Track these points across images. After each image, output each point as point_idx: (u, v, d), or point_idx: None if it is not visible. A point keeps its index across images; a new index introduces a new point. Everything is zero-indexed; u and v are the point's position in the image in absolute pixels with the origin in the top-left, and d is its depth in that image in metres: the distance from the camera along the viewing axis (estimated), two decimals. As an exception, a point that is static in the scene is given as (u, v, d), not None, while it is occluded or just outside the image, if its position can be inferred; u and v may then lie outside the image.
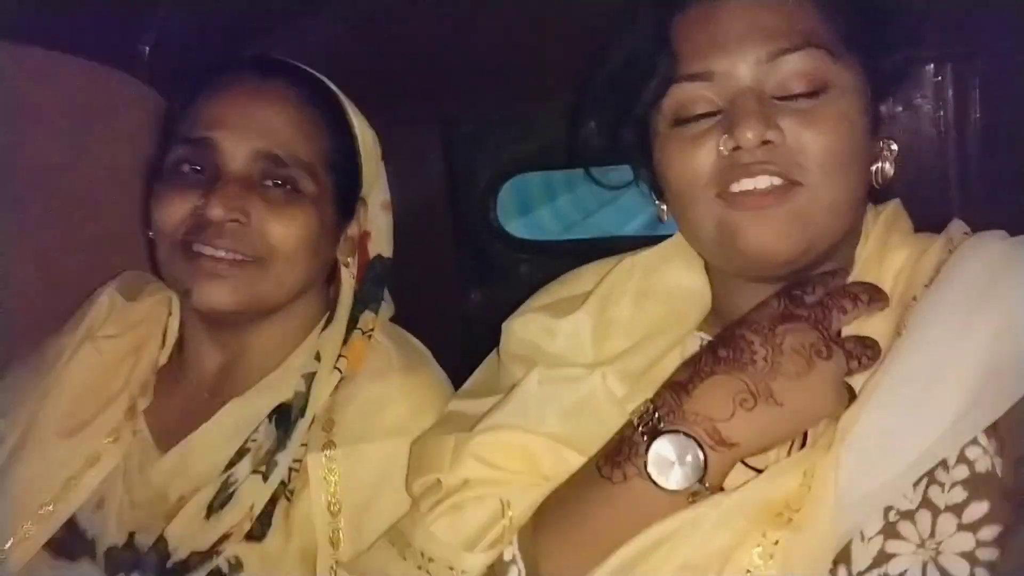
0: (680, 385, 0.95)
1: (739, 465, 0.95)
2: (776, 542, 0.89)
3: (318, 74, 1.38)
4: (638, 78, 1.04)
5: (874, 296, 0.96)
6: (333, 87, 1.38)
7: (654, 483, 0.92)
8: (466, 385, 1.24)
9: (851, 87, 0.99)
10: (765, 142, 0.96)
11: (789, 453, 0.97)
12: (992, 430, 0.88)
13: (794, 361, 0.91)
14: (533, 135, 1.70)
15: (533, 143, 1.71)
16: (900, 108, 1.42)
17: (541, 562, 0.97)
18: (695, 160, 1.00)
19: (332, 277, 1.41)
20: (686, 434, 0.92)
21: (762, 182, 0.97)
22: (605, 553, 0.93)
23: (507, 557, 0.99)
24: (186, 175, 1.27)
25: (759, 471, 0.95)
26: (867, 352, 0.93)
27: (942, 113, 1.42)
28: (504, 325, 1.18)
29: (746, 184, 0.97)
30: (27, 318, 1.48)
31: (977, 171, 1.40)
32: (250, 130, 1.26)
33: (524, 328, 1.16)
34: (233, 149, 1.25)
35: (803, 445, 0.96)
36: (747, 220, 0.97)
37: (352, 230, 1.38)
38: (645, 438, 0.93)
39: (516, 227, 1.76)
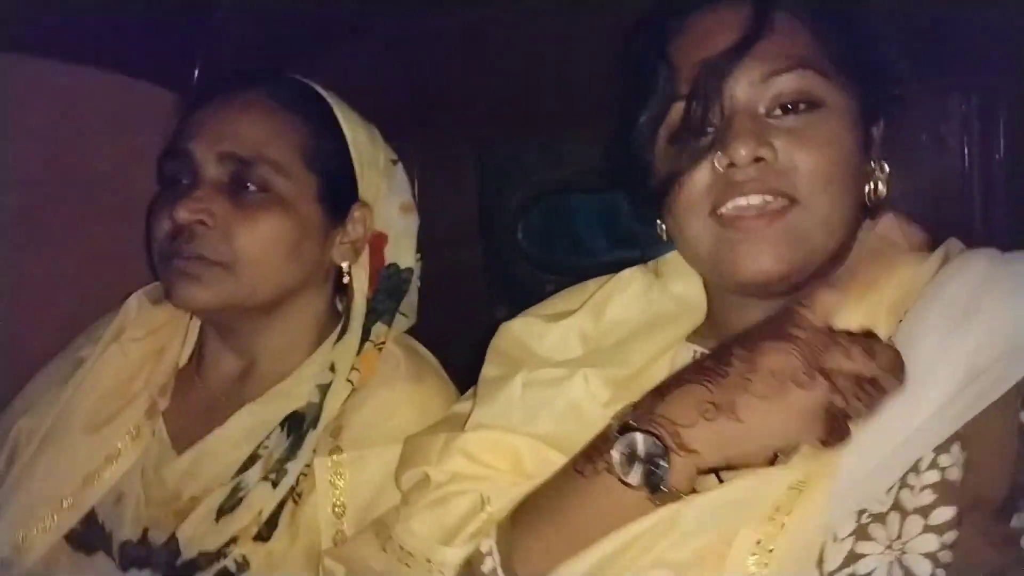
0: (660, 390, 0.96)
1: (712, 478, 0.96)
2: (771, 550, 0.89)
3: (307, 80, 1.40)
4: (641, 98, 1.08)
5: (897, 365, 0.90)
6: (320, 90, 1.40)
7: (619, 477, 0.93)
8: (471, 390, 1.25)
9: (842, 108, 1.02)
10: (758, 159, 0.99)
11: None
12: (965, 442, 0.90)
13: (766, 382, 0.90)
14: (563, 161, 1.73)
15: (563, 169, 1.73)
16: (925, 137, 1.42)
17: (514, 554, 0.98)
18: (690, 177, 1.03)
19: (342, 282, 1.42)
20: (650, 433, 0.92)
21: (755, 200, 1.00)
22: (575, 546, 0.94)
23: (484, 549, 1.00)
24: (174, 187, 1.32)
25: None
26: (861, 393, 0.89)
27: (967, 146, 1.41)
28: (502, 325, 1.21)
29: (740, 202, 1.00)
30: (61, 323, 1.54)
31: (1002, 203, 1.39)
32: (217, 136, 1.31)
33: (519, 328, 1.20)
34: (204, 156, 1.30)
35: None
36: (741, 241, 1.00)
37: (352, 232, 1.40)
38: (616, 434, 0.95)
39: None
